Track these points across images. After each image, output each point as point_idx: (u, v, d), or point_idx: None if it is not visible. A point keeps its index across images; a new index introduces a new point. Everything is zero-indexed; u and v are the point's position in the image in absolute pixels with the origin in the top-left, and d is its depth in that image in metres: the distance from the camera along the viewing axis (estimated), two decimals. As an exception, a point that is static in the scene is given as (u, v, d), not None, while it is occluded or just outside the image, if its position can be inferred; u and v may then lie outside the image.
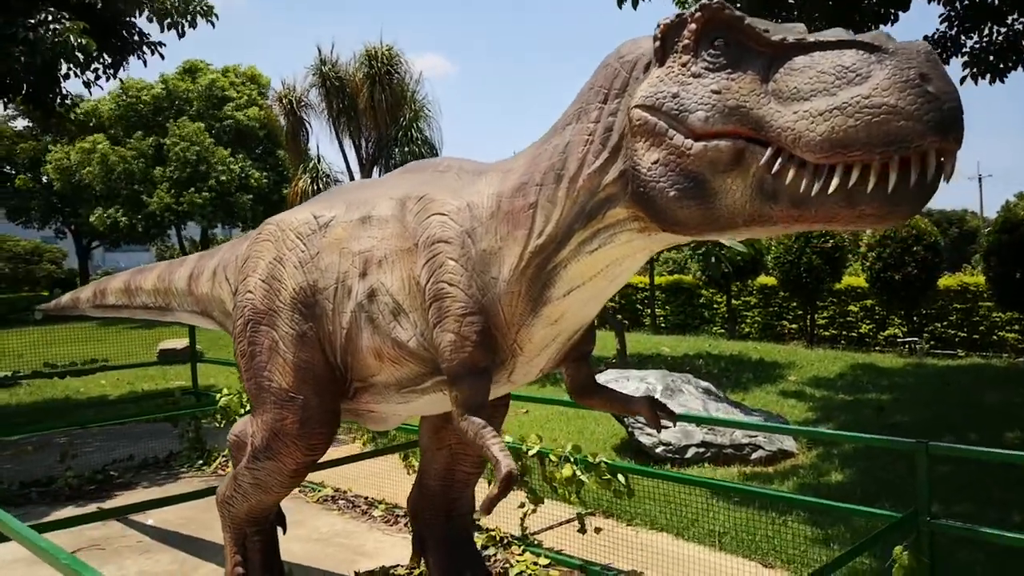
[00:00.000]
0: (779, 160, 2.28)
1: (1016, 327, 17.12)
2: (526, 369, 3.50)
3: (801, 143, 2.19)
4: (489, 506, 3.03)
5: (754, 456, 8.44)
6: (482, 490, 5.89)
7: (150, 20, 11.12)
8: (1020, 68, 9.98)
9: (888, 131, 2.05)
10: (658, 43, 2.63)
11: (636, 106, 2.63)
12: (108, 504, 7.49)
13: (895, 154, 2.07)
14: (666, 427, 3.71)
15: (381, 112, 20.84)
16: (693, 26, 2.51)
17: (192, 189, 29.45)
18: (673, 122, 2.50)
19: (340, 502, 7.31)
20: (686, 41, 2.53)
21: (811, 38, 2.32)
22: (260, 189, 31.01)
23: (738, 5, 8.60)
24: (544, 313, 3.20)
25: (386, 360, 3.60)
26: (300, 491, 7.68)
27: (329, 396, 3.87)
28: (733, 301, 21.99)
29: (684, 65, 2.53)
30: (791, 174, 2.26)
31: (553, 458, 5.54)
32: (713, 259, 17.71)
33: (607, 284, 3.16)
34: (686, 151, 2.46)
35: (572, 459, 5.52)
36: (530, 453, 5.72)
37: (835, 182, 2.17)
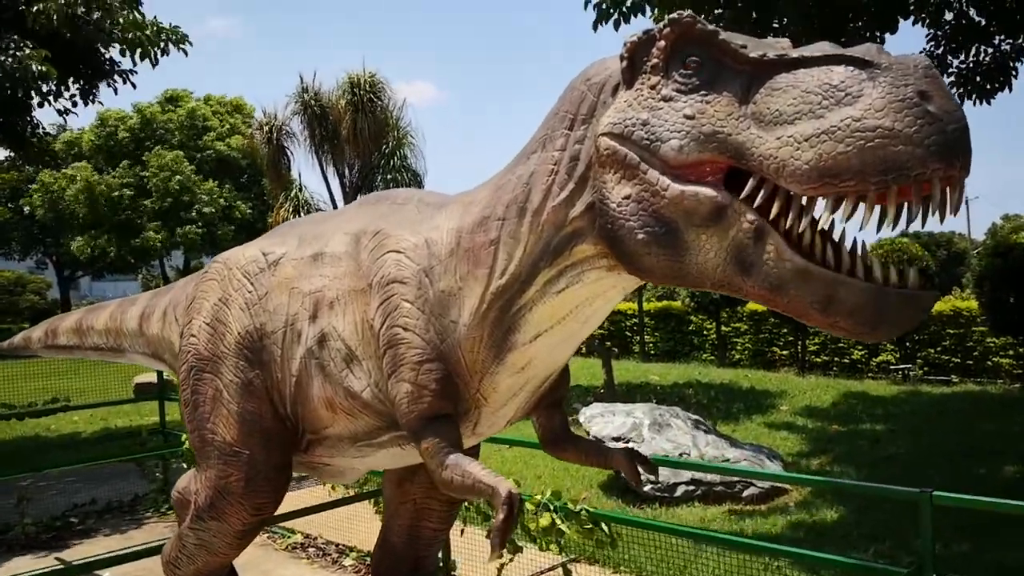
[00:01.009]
0: (762, 192, 2.03)
1: (1011, 352, 16.84)
2: (492, 420, 3.16)
3: (786, 172, 1.92)
4: (501, 538, 2.56)
5: (746, 493, 8.10)
6: (455, 544, 5.60)
7: (123, 54, 10.87)
8: (1007, 89, 9.81)
9: (885, 157, 1.79)
10: (625, 63, 2.36)
11: (603, 134, 2.35)
12: (66, 553, 7.11)
13: (893, 183, 1.81)
14: (650, 478, 3.38)
15: (364, 140, 20.57)
16: (662, 43, 2.25)
17: (186, 225, 29.13)
18: (645, 153, 2.23)
19: (310, 549, 6.95)
20: (655, 60, 2.27)
21: (794, 54, 2.06)
22: (244, 219, 30.71)
23: (719, 27, 8.35)
24: (509, 360, 2.87)
25: (339, 411, 3.27)
26: (268, 537, 7.31)
27: (278, 451, 3.53)
28: (723, 327, 21.70)
29: (654, 87, 2.26)
30: (776, 209, 2.01)
31: (530, 507, 5.16)
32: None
33: (579, 327, 2.84)
34: (661, 192, 2.19)
35: (552, 507, 5.16)
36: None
37: (825, 216, 1.94)
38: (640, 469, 3.33)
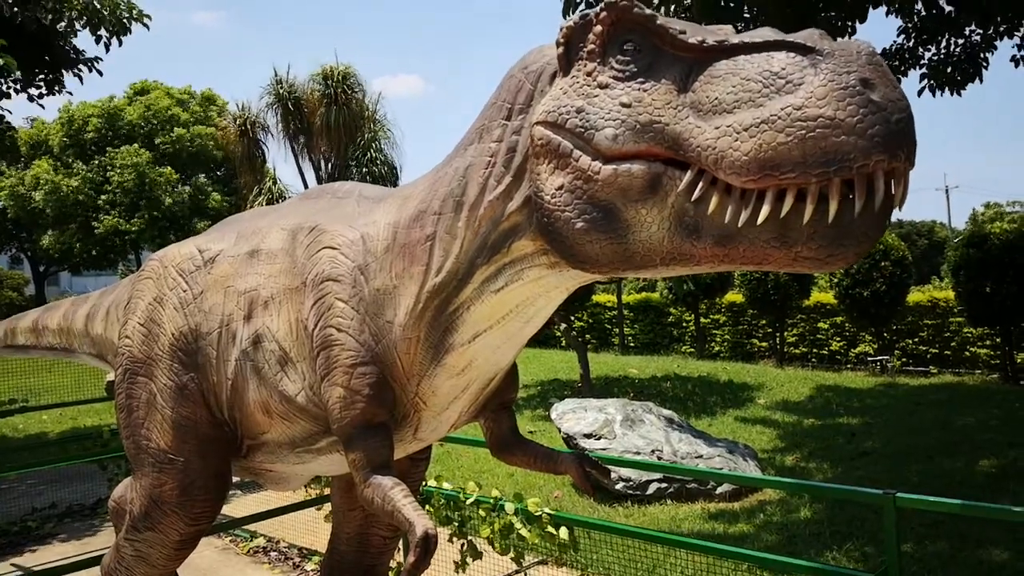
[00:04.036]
0: (700, 184, 1.89)
1: (988, 343, 16.84)
2: (434, 424, 3.02)
3: (724, 164, 1.80)
4: None
5: (719, 491, 7.98)
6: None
7: (70, 28, 10.57)
8: (978, 80, 9.74)
9: (826, 148, 1.68)
10: (561, 49, 2.23)
11: (538, 123, 2.22)
12: (20, 560, 6.93)
13: (835, 176, 1.69)
14: (604, 482, 3.25)
15: (338, 132, 20.39)
16: (599, 28, 2.12)
17: (140, 216, 28.66)
18: (578, 141, 2.11)
19: (272, 554, 6.78)
20: (591, 46, 2.15)
21: (734, 39, 1.93)
22: (218, 211, 30.26)
23: (685, 16, 8.21)
24: (448, 362, 2.73)
25: (275, 416, 3.11)
26: (231, 541, 7.14)
27: (215, 457, 3.37)
28: (702, 319, 21.64)
29: (590, 74, 2.14)
30: (715, 201, 1.87)
31: (482, 512, 5.01)
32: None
33: (521, 326, 2.69)
34: (593, 176, 2.07)
35: (515, 510, 5.01)
36: (468, 502, 5.22)
37: (765, 210, 1.77)
38: (593, 472, 3.24)
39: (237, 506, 7.78)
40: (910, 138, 1.73)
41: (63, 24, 10.40)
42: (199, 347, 3.29)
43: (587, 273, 2.31)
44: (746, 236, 1.85)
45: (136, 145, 29.50)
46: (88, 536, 7.55)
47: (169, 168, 29.59)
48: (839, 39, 1.83)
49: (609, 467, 3.34)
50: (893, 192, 1.76)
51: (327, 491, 6.18)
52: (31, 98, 11.37)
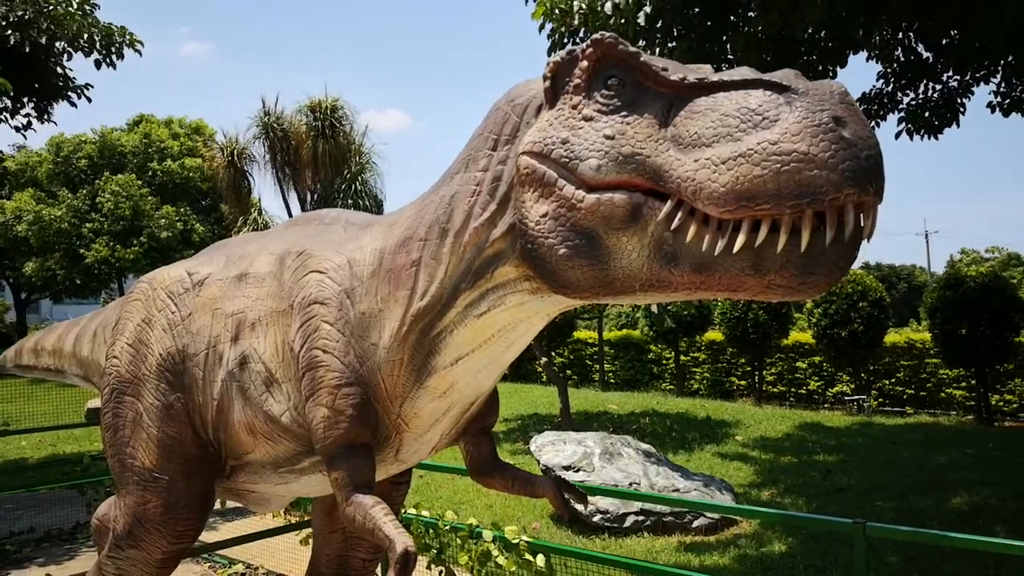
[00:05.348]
0: (679, 214, 1.98)
1: (963, 384, 17.03)
2: (415, 447, 3.09)
3: (703, 195, 1.89)
4: None
5: (695, 524, 8.04)
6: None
7: (62, 52, 10.69)
8: (955, 125, 9.97)
9: (800, 181, 1.77)
10: (548, 83, 2.33)
11: (523, 152, 2.32)
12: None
13: (808, 208, 1.78)
14: (579, 508, 3.31)
15: (325, 164, 20.54)
16: (584, 63, 2.22)
17: (133, 244, 28.60)
18: (563, 171, 2.20)
19: (250, 580, 6.77)
20: (577, 80, 2.24)
21: (714, 77, 2.04)
22: (203, 241, 30.25)
23: (669, 58, 8.39)
24: (430, 384, 2.81)
25: (259, 436, 3.18)
26: (209, 567, 7.13)
27: (199, 477, 3.43)
28: (682, 357, 21.77)
29: (575, 107, 2.24)
30: (692, 231, 1.96)
31: (460, 540, 5.06)
32: (655, 312, 17.44)
33: (502, 351, 2.78)
34: (577, 204, 2.15)
35: (493, 537, 5.07)
36: (447, 529, 5.27)
37: (741, 239, 1.87)
38: (569, 498, 3.30)
39: (215, 534, 7.76)
40: (879, 173, 1.82)
41: (62, 45, 10.52)
42: (186, 368, 3.35)
43: (568, 299, 2.39)
44: (722, 264, 1.94)
45: (133, 175, 29.50)
46: (67, 560, 7.49)
47: (170, 207, 29.58)
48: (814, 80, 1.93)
49: (587, 495, 3.39)
50: (862, 224, 1.85)
51: (307, 517, 6.21)
52: (19, 129, 11.45)
